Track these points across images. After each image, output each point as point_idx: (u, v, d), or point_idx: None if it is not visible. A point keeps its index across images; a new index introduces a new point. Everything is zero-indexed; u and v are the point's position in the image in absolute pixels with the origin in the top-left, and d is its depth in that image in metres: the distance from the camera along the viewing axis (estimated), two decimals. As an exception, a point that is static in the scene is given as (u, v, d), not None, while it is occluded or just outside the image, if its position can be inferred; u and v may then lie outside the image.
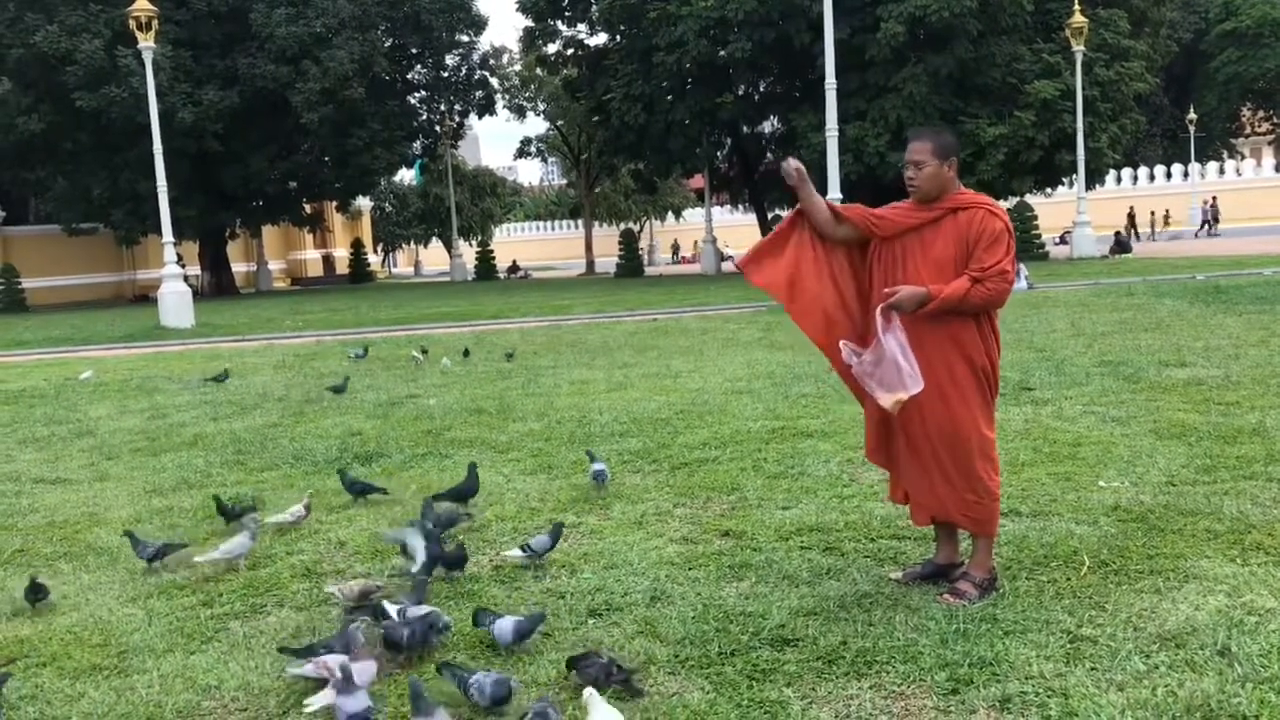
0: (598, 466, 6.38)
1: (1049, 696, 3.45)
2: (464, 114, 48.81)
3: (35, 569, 5.41)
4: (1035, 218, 35.07)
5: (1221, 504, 5.38)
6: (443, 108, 47.63)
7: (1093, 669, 3.64)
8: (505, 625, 4.03)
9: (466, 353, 13.96)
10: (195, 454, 8.34)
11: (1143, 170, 57.24)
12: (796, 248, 4.55)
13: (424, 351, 14.01)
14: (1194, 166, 55.05)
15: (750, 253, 4.66)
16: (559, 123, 55.26)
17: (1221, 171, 56.57)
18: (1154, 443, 6.81)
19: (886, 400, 4.21)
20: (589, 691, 3.29)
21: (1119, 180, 54.85)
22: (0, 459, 8.62)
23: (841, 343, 4.36)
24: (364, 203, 57.37)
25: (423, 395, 10.78)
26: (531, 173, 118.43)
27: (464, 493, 6.09)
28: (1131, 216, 48.16)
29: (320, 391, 11.29)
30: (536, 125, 77.67)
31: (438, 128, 47.70)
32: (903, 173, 4.46)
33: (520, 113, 56.24)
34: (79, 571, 5.41)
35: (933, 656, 3.78)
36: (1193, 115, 56.95)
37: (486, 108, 48.67)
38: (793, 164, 4.43)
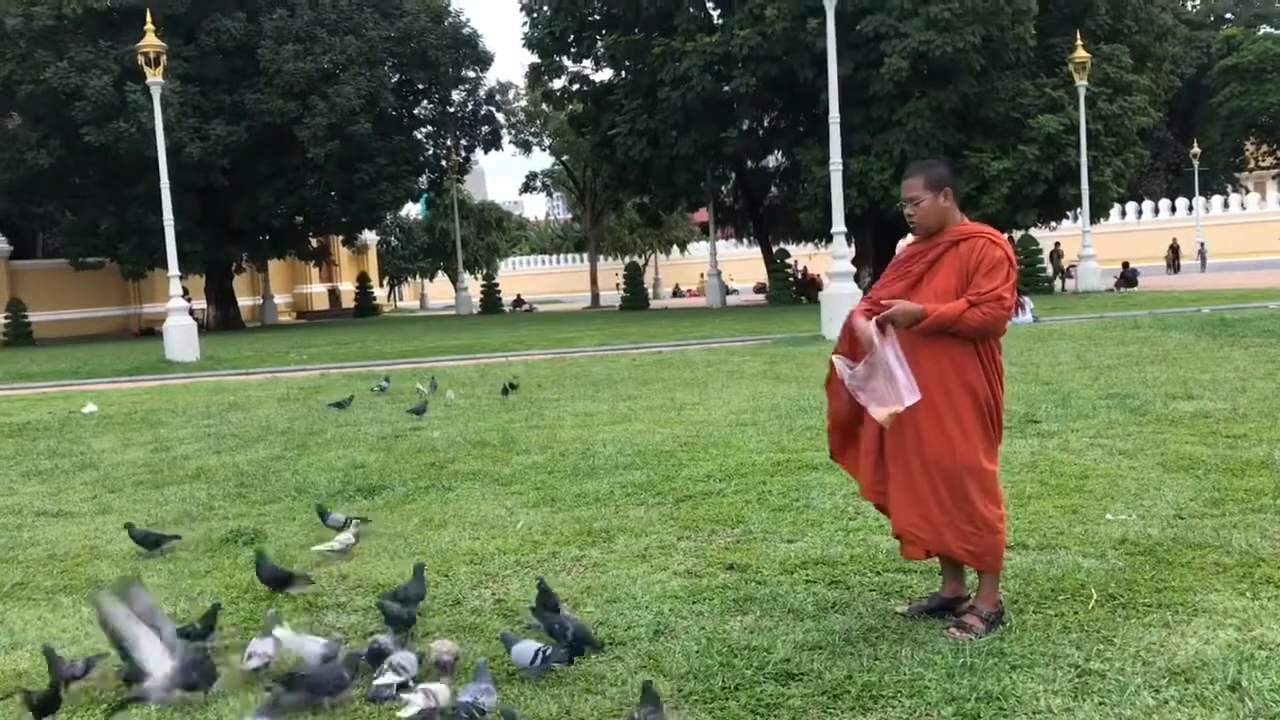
0: (334, 517, 6.37)
1: (1057, 732, 3.41)
2: (470, 149, 49.21)
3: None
4: (1040, 251, 35.14)
5: (1230, 537, 5.33)
6: (449, 143, 48.01)
7: (1101, 703, 3.59)
8: (525, 649, 4.02)
9: (506, 390, 13.22)
10: (198, 486, 8.32)
11: (1147, 204, 57.35)
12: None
13: (433, 384, 13.96)
14: (1198, 200, 55.14)
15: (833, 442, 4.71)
16: (564, 157, 55.66)
17: (1226, 205, 56.66)
18: (1161, 475, 6.77)
19: (880, 414, 4.20)
20: None
21: (1123, 214, 54.96)
22: (3, 491, 8.60)
23: (835, 357, 4.36)
24: (370, 237, 57.63)
25: (426, 427, 10.76)
26: (537, 207, 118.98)
27: (410, 595, 4.79)
28: (1175, 248, 48.15)
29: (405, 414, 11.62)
30: (542, 160, 78.28)
31: (444, 162, 48.05)
32: (903, 211, 4.49)
33: (526, 147, 56.71)
34: (79, 605, 5.38)
35: (939, 691, 3.74)
36: (1196, 149, 57.14)
37: (492, 143, 49.07)
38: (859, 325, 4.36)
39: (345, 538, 5.97)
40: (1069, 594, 4.66)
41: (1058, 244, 38.53)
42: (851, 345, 4.43)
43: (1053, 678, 3.80)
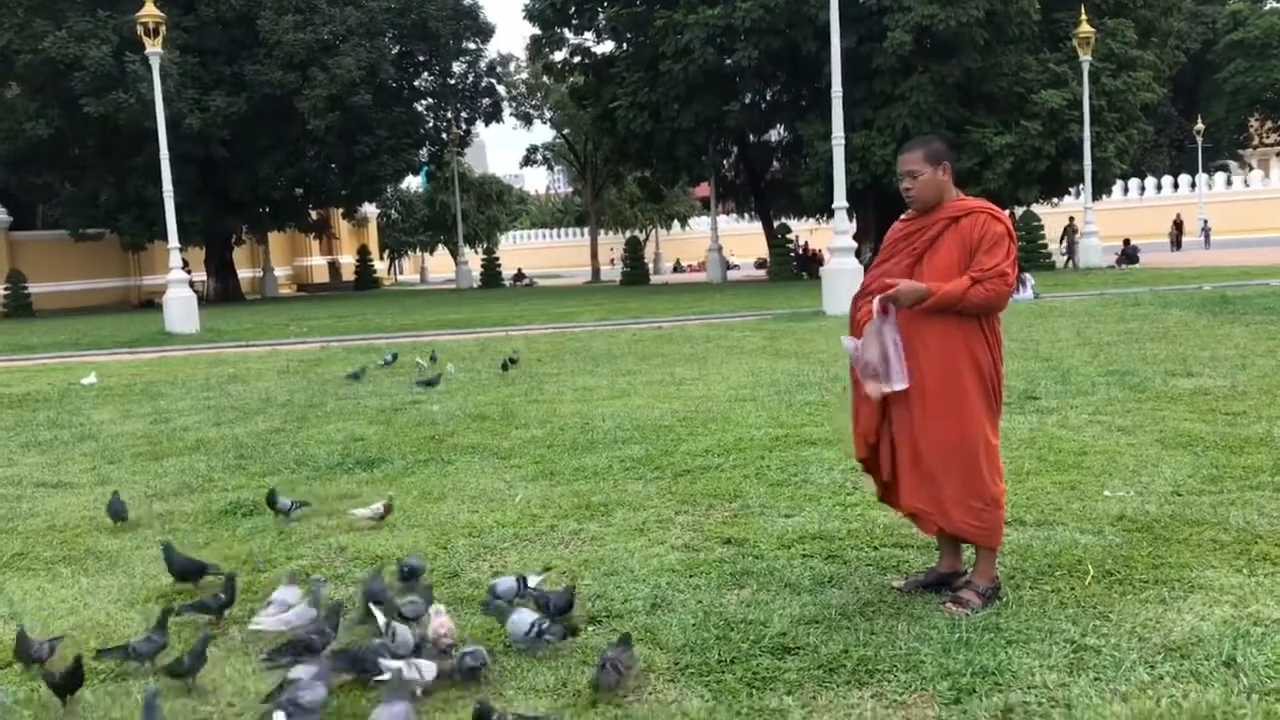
0: (283, 502, 6.28)
1: (1052, 706, 3.42)
2: (470, 121, 48.97)
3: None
4: (1041, 227, 35.04)
5: (1228, 514, 5.33)
6: (449, 115, 47.77)
7: (1096, 679, 3.60)
8: (521, 620, 4.04)
9: (506, 365, 12.92)
10: (197, 458, 8.32)
11: (1150, 180, 57.13)
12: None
13: (433, 358, 13.94)
14: (1201, 177, 54.94)
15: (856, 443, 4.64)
16: (565, 130, 55.42)
17: (1229, 182, 56.44)
18: (1160, 452, 6.77)
19: (870, 388, 4.27)
20: None
21: (1126, 190, 54.77)
22: (2, 462, 8.61)
23: (843, 338, 4.42)
24: (370, 209, 57.50)
25: (426, 401, 10.76)
26: (538, 180, 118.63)
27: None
28: (1179, 224, 47.89)
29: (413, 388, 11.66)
30: (543, 133, 77.75)
31: (444, 135, 47.81)
32: (899, 186, 4.46)
33: (527, 120, 56.47)
34: (78, 575, 5.39)
35: (935, 665, 3.75)
36: (1200, 125, 56.89)
37: (493, 115, 48.87)
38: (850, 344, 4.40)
39: (376, 507, 6.08)
40: (1066, 570, 4.67)
41: (1071, 219, 38.25)
42: (858, 333, 4.47)
43: (1048, 653, 3.81)
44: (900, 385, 4.21)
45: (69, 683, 3.78)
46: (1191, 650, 3.77)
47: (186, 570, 5.06)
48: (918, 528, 4.62)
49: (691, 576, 4.86)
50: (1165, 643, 3.86)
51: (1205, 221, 49.41)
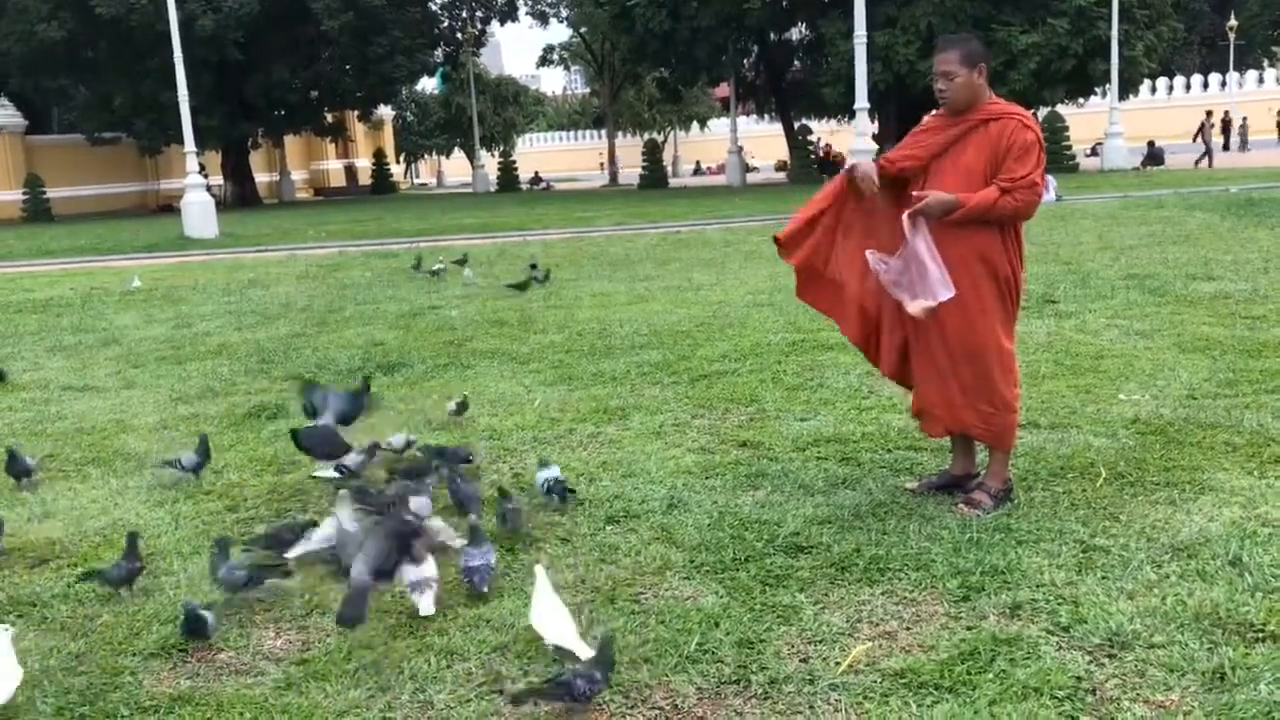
0: (23, 461, 5.35)
1: (1059, 604, 3.49)
2: (485, 20, 48.15)
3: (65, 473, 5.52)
4: (1066, 129, 34.40)
5: (1242, 417, 5.36)
6: (464, 14, 46.94)
7: (1104, 578, 3.67)
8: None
9: (544, 278, 12.13)
10: (220, 362, 8.43)
11: (1179, 80, 55.76)
12: (830, 230, 4.53)
13: (462, 261, 13.84)
14: (1232, 76, 53.57)
15: (788, 232, 4.61)
16: (582, 29, 54.40)
17: (1260, 81, 55.04)
18: (1177, 356, 6.78)
19: (914, 308, 4.19)
20: (539, 569, 3.41)
21: (1154, 90, 53.54)
22: (30, 366, 8.74)
23: (868, 252, 4.34)
24: (386, 112, 56.90)
25: (444, 306, 10.82)
26: (554, 81, 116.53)
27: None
28: (1226, 123, 46.61)
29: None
30: (559, 32, 76.23)
31: (459, 35, 47.07)
32: (933, 85, 4.39)
33: (543, 19, 55.41)
34: (107, 476, 5.51)
35: (945, 564, 3.82)
36: (1233, 21, 55.30)
37: (508, 14, 48.04)
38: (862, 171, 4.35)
39: (450, 406, 6.25)
40: (1078, 472, 4.72)
41: (1209, 113, 36.31)
42: (839, 194, 4.47)
43: (1058, 553, 3.88)
44: (946, 294, 4.12)
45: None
46: (1199, 550, 3.83)
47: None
48: (923, 429, 4.66)
49: (707, 478, 4.94)
50: (1173, 543, 3.92)
51: (1244, 120, 48.18)
